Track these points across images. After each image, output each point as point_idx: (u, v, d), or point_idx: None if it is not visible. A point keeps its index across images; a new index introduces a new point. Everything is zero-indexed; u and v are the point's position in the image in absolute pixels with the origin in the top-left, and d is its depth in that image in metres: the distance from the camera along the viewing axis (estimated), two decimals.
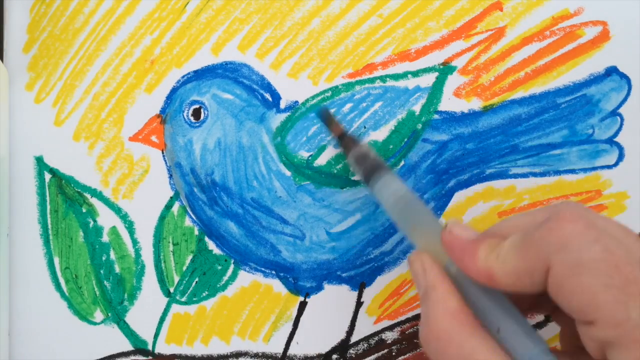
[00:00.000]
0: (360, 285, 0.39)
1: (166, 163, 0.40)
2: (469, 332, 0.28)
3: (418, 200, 0.33)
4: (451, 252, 0.29)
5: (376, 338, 0.40)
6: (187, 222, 0.40)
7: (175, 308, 0.40)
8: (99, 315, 0.41)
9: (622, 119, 0.38)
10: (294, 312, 0.40)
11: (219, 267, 0.40)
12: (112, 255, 0.41)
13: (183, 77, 0.40)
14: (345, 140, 0.37)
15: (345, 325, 0.40)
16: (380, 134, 0.39)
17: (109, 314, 0.41)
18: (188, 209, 0.40)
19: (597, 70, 0.38)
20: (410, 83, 0.39)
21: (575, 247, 0.25)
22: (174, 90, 0.40)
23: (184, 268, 0.40)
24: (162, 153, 0.41)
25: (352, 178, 0.39)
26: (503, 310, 0.28)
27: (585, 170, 0.39)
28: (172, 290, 0.40)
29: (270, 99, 0.40)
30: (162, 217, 0.40)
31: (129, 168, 0.41)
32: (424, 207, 0.32)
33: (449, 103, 0.39)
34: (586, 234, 0.26)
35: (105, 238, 0.41)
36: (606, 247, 0.25)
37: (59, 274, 0.41)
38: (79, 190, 0.41)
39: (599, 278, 0.25)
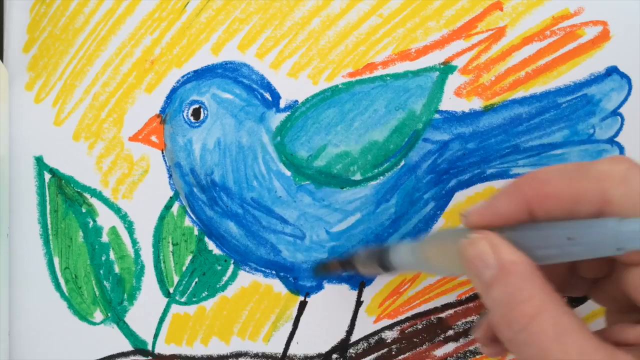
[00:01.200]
0: (360, 284, 0.39)
1: (166, 163, 0.40)
2: (562, 309, 0.25)
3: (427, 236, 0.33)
4: (478, 215, 0.28)
5: (376, 337, 0.39)
6: (187, 222, 0.40)
7: (175, 308, 0.40)
8: (98, 316, 0.41)
9: (622, 119, 0.38)
10: (294, 312, 0.40)
11: (219, 267, 0.40)
12: (112, 256, 0.41)
13: (183, 77, 0.40)
14: (347, 267, 0.37)
15: (345, 324, 0.39)
16: (380, 134, 0.39)
17: (109, 314, 0.41)
18: (188, 209, 0.40)
19: (598, 70, 0.38)
20: (411, 82, 0.39)
21: (636, 182, 0.25)
22: (173, 90, 0.40)
23: (184, 268, 0.40)
24: (162, 153, 0.40)
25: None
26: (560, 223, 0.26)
27: None
28: (171, 290, 0.40)
29: (270, 98, 0.40)
30: (161, 217, 0.40)
31: (129, 168, 0.41)
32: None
33: (450, 103, 0.39)
34: None
35: (105, 238, 0.41)
36: None
37: (58, 274, 0.41)
38: (79, 190, 0.41)
39: None
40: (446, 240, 0.30)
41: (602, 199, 0.25)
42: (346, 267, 0.37)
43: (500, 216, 0.27)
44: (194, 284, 0.40)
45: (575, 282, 0.30)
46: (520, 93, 0.39)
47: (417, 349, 0.39)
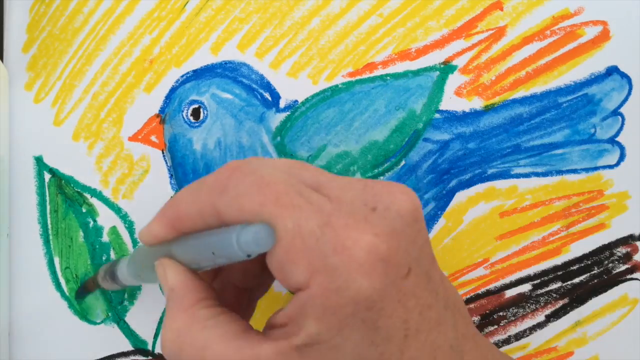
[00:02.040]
0: None
1: (166, 163, 0.40)
2: (202, 324, 0.28)
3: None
4: (144, 236, 0.31)
5: None
6: None
7: None
8: (98, 315, 0.41)
9: (623, 119, 0.38)
10: None
11: None
12: (112, 255, 0.41)
13: (182, 76, 0.40)
14: (94, 283, 0.39)
15: None
16: (380, 134, 0.39)
17: (109, 314, 0.41)
18: None
19: (598, 69, 0.38)
20: (411, 82, 0.39)
21: (233, 185, 0.27)
22: (173, 90, 0.40)
23: None
24: (162, 153, 0.40)
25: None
26: (195, 236, 0.29)
27: (587, 170, 0.38)
28: None
29: (269, 98, 0.40)
30: None
31: (129, 168, 0.41)
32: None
33: (450, 102, 0.39)
34: (243, 173, 0.27)
35: (106, 238, 0.41)
36: (261, 175, 0.26)
37: (59, 274, 0.41)
38: (79, 190, 0.41)
39: (254, 198, 0.26)
40: (147, 257, 0.32)
41: (215, 211, 0.27)
42: (95, 284, 0.38)
43: (156, 238, 0.30)
44: None
45: (260, 275, 0.33)
46: (520, 93, 0.39)
47: None
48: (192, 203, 0.28)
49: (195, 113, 0.40)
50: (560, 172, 0.39)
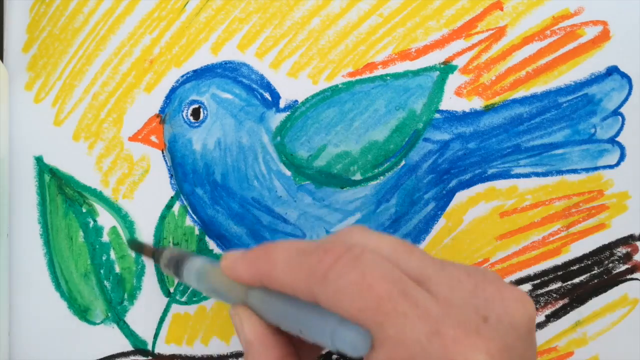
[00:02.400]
0: None
1: (166, 163, 0.40)
2: None
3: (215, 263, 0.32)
4: (227, 269, 0.29)
5: None
6: (188, 221, 0.40)
7: (175, 308, 0.40)
8: (98, 315, 0.41)
9: (623, 119, 0.38)
10: None
11: None
12: (112, 255, 0.41)
13: (182, 76, 0.40)
14: (156, 259, 0.37)
15: None
16: (381, 134, 0.39)
17: (109, 314, 0.41)
18: (189, 208, 0.40)
19: (598, 69, 0.38)
20: (411, 82, 0.39)
21: (333, 277, 0.25)
22: (173, 90, 0.40)
23: None
24: (162, 153, 0.40)
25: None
26: (290, 301, 0.27)
27: (587, 170, 0.38)
28: (172, 290, 0.40)
29: (269, 98, 0.40)
30: (162, 217, 0.40)
31: (129, 168, 0.41)
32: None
33: (450, 102, 0.39)
34: (345, 264, 0.25)
35: (106, 238, 0.41)
36: (362, 270, 0.25)
37: (59, 273, 0.41)
38: (79, 190, 0.41)
39: (354, 302, 0.24)
40: (221, 282, 0.31)
41: (312, 295, 0.26)
42: (155, 259, 0.37)
43: (238, 280, 0.29)
44: None
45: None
46: (520, 92, 0.39)
47: None
48: (289, 273, 0.27)
49: (195, 113, 0.40)
50: (560, 172, 0.39)
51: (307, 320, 0.26)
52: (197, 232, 0.40)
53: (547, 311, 0.39)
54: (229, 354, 0.40)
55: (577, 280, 0.39)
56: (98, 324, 0.41)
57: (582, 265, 0.39)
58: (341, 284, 0.25)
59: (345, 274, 0.25)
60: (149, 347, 0.41)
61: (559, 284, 0.39)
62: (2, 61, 0.41)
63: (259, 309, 0.29)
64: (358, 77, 0.39)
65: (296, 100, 0.39)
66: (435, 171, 0.39)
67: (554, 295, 0.39)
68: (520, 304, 0.25)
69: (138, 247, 0.40)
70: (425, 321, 0.24)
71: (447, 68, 0.39)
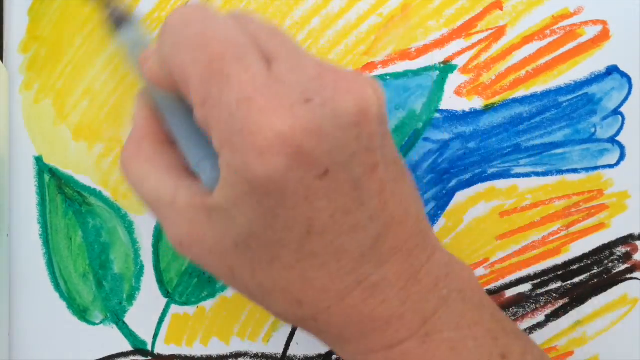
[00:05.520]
0: None
1: None
2: (146, 157, 0.29)
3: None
4: (140, 63, 0.30)
5: None
6: None
7: (174, 308, 0.40)
8: (98, 316, 0.41)
9: (623, 118, 0.38)
10: None
11: None
12: (111, 256, 0.41)
13: None
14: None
15: None
16: None
17: (108, 315, 0.41)
18: None
19: (598, 69, 0.38)
20: (411, 82, 0.39)
21: (176, 28, 0.26)
22: None
23: (183, 268, 0.40)
24: None
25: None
26: (177, 118, 0.29)
27: (587, 169, 0.38)
28: (171, 290, 0.40)
29: None
30: None
31: None
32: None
33: (450, 102, 0.39)
34: (188, 17, 0.26)
35: (105, 238, 0.41)
36: (204, 26, 0.25)
37: (58, 273, 0.41)
38: (79, 190, 0.41)
39: (190, 54, 0.25)
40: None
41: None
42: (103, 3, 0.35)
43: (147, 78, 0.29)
44: (193, 284, 0.40)
45: None
46: (520, 92, 0.39)
47: None
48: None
49: None
50: (560, 172, 0.38)
51: (185, 141, 0.28)
52: None
53: (547, 311, 0.39)
54: (228, 354, 0.40)
55: (577, 279, 0.39)
56: (97, 324, 0.41)
57: (582, 264, 0.38)
58: (183, 34, 0.25)
59: (190, 26, 0.25)
60: (149, 347, 0.40)
61: (558, 284, 0.39)
62: (2, 61, 0.41)
63: (157, 107, 0.30)
64: None
65: None
66: (435, 171, 0.39)
67: (554, 294, 0.39)
68: (352, 94, 0.24)
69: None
70: (244, 88, 0.24)
71: (446, 67, 0.39)
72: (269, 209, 0.25)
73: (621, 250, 0.38)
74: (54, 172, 0.41)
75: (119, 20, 0.33)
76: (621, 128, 0.38)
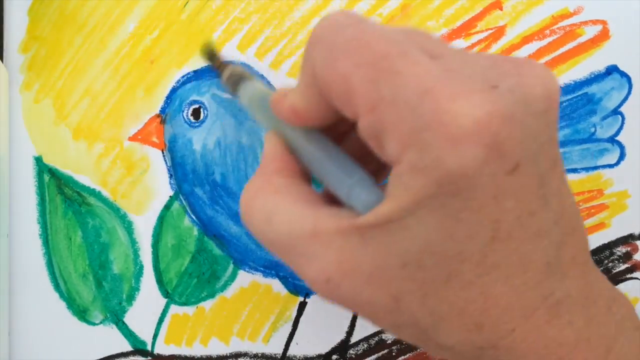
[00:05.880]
0: None
1: (166, 163, 0.40)
2: (275, 189, 0.26)
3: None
4: (272, 106, 0.27)
5: (376, 338, 0.39)
6: (187, 222, 0.40)
7: (174, 309, 0.40)
8: (97, 316, 0.41)
9: (623, 118, 0.38)
10: (293, 313, 0.40)
11: (218, 267, 0.40)
12: (111, 256, 0.41)
13: (182, 77, 0.40)
14: (220, 71, 0.35)
15: (345, 325, 0.39)
16: None
17: (108, 315, 0.41)
18: (188, 208, 0.40)
19: (598, 69, 0.38)
20: None
21: (328, 36, 0.23)
22: (173, 90, 0.40)
23: (183, 268, 0.40)
24: (162, 153, 0.40)
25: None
26: (318, 150, 0.26)
27: (587, 169, 0.38)
28: (170, 290, 0.40)
29: None
30: (161, 217, 0.40)
31: (128, 168, 0.41)
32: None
33: None
34: (339, 23, 0.23)
35: (105, 238, 0.41)
36: (359, 29, 0.23)
37: (57, 274, 0.41)
38: (78, 190, 0.41)
39: (350, 58, 0.22)
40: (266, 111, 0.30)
41: (315, 79, 0.25)
42: (218, 71, 0.35)
43: (282, 117, 0.28)
44: (193, 284, 0.40)
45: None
46: None
47: (418, 350, 0.39)
48: (303, 77, 0.25)
49: (196, 113, 0.40)
50: None
51: (330, 172, 0.25)
52: (195, 232, 0.40)
53: None
54: (228, 354, 0.40)
55: None
56: (97, 324, 0.41)
57: None
58: (339, 40, 0.23)
59: (344, 31, 0.23)
60: (149, 348, 0.40)
61: None
62: (2, 61, 0.41)
63: (292, 145, 0.28)
64: None
65: None
66: None
67: None
68: (539, 79, 0.22)
69: (210, 53, 0.37)
70: (422, 80, 0.21)
71: None
72: (453, 213, 0.21)
73: (621, 250, 0.38)
74: (53, 172, 0.41)
75: (236, 80, 0.33)
76: (621, 128, 0.38)
